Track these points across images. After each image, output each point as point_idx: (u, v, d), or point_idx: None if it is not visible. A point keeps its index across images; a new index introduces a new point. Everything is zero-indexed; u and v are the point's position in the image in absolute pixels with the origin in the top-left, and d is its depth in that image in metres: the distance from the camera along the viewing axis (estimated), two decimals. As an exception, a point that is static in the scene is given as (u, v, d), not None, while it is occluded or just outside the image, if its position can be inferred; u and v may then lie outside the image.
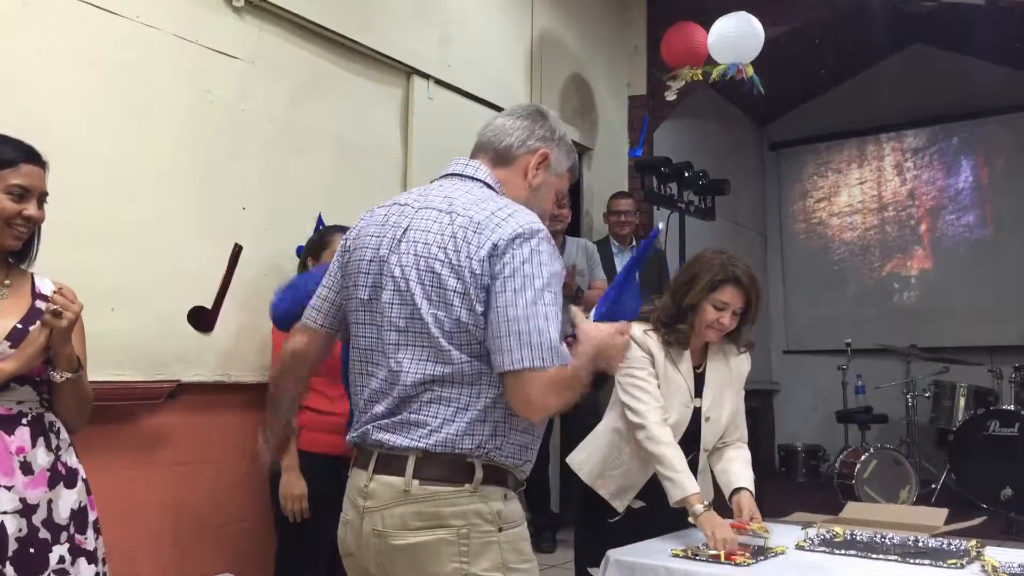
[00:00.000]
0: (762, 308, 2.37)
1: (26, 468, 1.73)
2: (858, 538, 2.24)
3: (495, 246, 1.46)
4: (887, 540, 2.20)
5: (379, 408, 1.52)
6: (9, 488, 1.69)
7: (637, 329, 2.36)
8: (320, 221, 3.28)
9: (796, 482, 6.90)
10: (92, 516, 1.86)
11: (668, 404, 2.33)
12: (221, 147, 3.03)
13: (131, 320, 2.67)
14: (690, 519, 2.18)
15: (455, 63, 4.18)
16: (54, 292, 1.78)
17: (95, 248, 2.60)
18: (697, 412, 2.38)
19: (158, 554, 2.80)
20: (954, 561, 1.97)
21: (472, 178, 1.61)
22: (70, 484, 1.82)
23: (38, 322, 1.75)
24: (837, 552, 2.11)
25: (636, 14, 5.85)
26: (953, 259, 7.31)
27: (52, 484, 1.77)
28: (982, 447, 5.16)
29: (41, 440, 1.77)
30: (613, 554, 2.09)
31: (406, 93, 3.91)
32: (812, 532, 2.28)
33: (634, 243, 5.04)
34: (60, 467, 1.80)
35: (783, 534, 2.27)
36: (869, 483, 5.15)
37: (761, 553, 2.08)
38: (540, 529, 4.36)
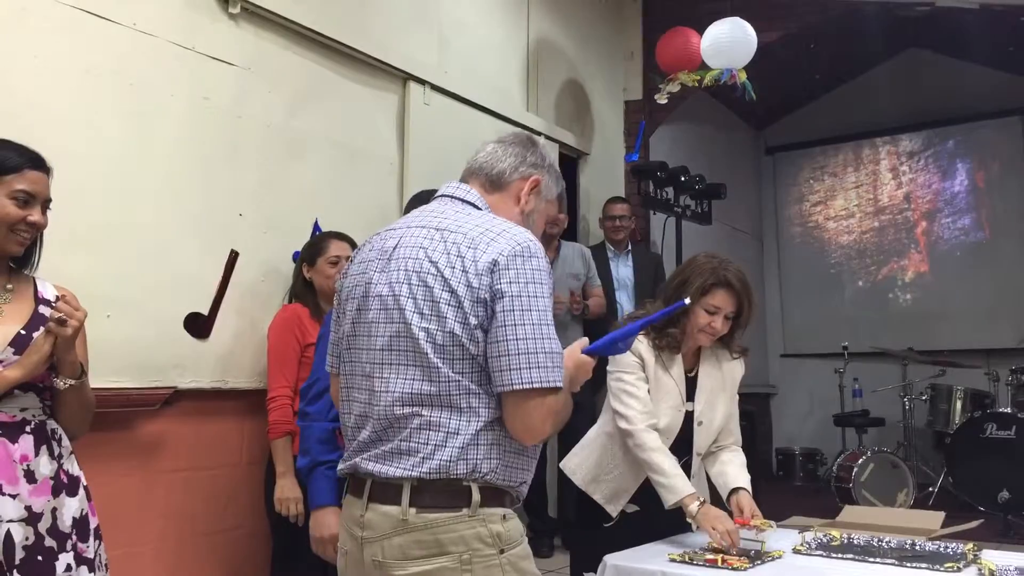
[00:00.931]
0: (755, 313, 2.37)
1: (30, 476, 1.72)
2: (855, 542, 2.24)
3: (495, 262, 1.45)
4: (884, 544, 2.21)
5: (364, 434, 1.51)
6: (14, 496, 1.69)
7: None
8: (316, 227, 3.28)
9: (793, 486, 6.90)
10: (93, 523, 1.86)
11: (658, 408, 2.33)
12: (218, 153, 3.03)
13: (127, 326, 2.67)
14: (688, 519, 2.18)
15: (451, 69, 4.18)
16: (58, 299, 1.78)
17: (91, 254, 2.59)
18: (689, 416, 2.38)
19: (154, 561, 2.79)
20: (951, 564, 1.97)
21: (463, 200, 1.63)
22: (72, 492, 1.81)
23: (42, 329, 1.75)
24: (834, 556, 2.12)
25: (631, 20, 5.87)
26: (949, 262, 7.33)
27: (56, 492, 1.77)
28: (979, 450, 5.17)
29: (44, 448, 1.77)
30: (610, 559, 2.09)
31: (402, 99, 3.91)
32: (809, 536, 2.28)
33: (629, 247, 5.05)
34: (63, 475, 1.80)
35: (780, 538, 2.27)
36: (866, 486, 5.15)
37: (758, 557, 2.08)
38: (538, 534, 4.36)
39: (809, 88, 7.60)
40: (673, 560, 2.05)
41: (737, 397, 2.50)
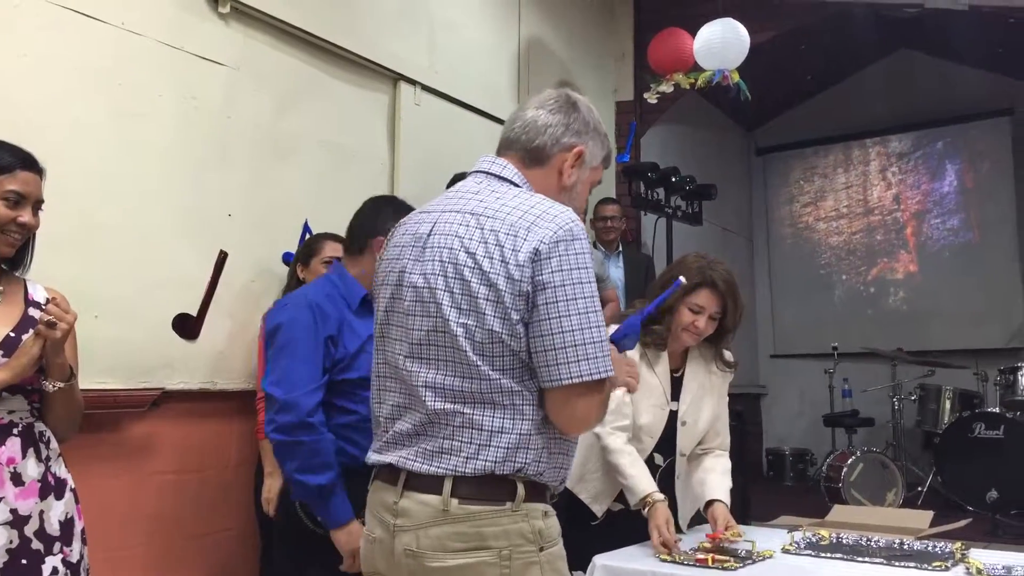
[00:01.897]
0: (741, 314, 2.37)
1: (16, 479, 1.71)
2: (844, 541, 2.24)
3: (536, 251, 1.36)
4: (872, 543, 2.21)
5: (403, 426, 1.44)
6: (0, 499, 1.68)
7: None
8: (306, 227, 3.28)
9: (784, 486, 6.93)
10: (79, 526, 1.85)
11: (640, 406, 2.33)
12: (207, 153, 3.02)
13: (115, 327, 2.66)
14: (644, 512, 2.19)
15: (442, 69, 4.18)
16: (48, 302, 1.77)
17: (79, 254, 2.58)
18: (673, 416, 2.39)
19: (142, 563, 2.77)
20: (939, 563, 1.97)
21: (499, 177, 1.51)
22: (59, 495, 1.80)
23: (31, 332, 1.74)
24: (823, 555, 2.12)
25: (622, 20, 5.88)
26: (938, 263, 7.37)
27: (43, 495, 1.76)
28: (968, 450, 5.20)
29: (32, 451, 1.76)
30: (600, 559, 2.09)
31: (393, 99, 3.91)
32: (798, 535, 2.28)
33: (620, 248, 5.05)
34: (50, 478, 1.79)
35: (770, 538, 2.28)
36: (856, 486, 5.17)
37: (748, 557, 2.08)
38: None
39: (799, 89, 7.63)
40: (664, 560, 2.06)
41: (727, 399, 2.51)
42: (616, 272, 4.98)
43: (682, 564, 2.03)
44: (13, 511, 1.69)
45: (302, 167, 3.39)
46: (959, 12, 4.81)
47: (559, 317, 1.35)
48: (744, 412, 7.08)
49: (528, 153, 1.52)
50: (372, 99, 3.81)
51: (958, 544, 2.12)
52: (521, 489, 1.39)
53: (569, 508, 2.46)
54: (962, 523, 2.65)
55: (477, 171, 1.55)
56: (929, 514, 2.56)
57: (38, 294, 1.85)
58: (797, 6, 5.50)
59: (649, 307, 1.82)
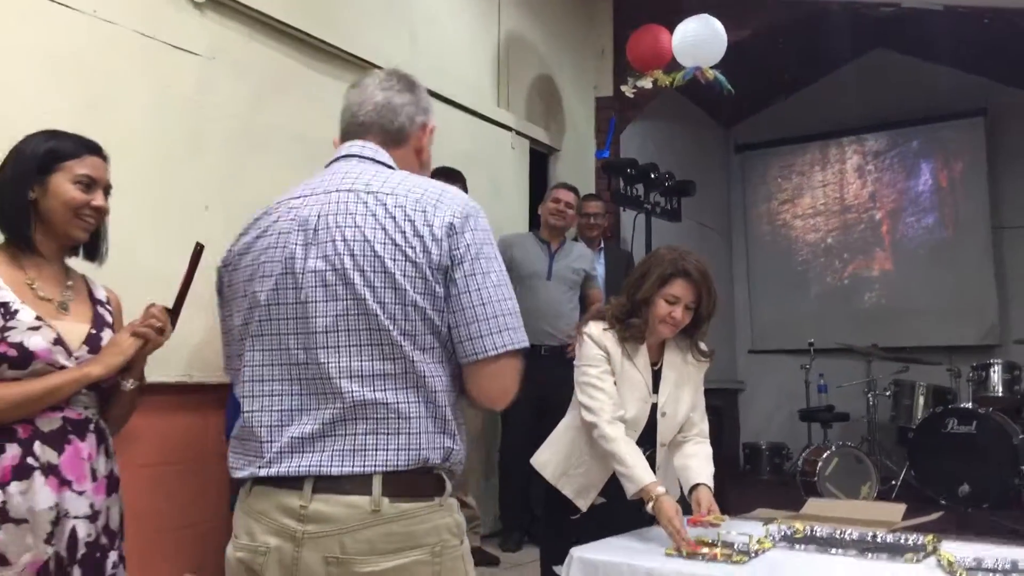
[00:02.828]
0: (716, 303, 2.39)
1: (92, 475, 1.73)
2: (817, 533, 2.26)
3: (451, 225, 1.35)
4: (846, 535, 2.23)
5: (301, 430, 1.33)
6: (81, 493, 1.70)
7: (595, 327, 2.38)
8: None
9: (760, 479, 6.97)
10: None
11: (626, 400, 2.35)
12: (182, 144, 2.99)
13: (89, 320, 2.62)
14: (648, 508, 2.18)
15: (422, 63, 4.16)
16: (151, 307, 1.81)
17: (52, 247, 2.54)
18: (654, 407, 2.40)
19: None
20: (911, 555, 2.00)
21: (373, 160, 1.48)
22: (117, 490, 1.83)
23: (129, 330, 1.77)
24: (797, 547, 2.14)
25: (602, 16, 5.89)
26: (913, 260, 7.44)
27: (109, 491, 1.79)
28: (940, 445, 5.26)
29: (102, 447, 1.78)
30: (577, 551, 2.09)
31: (372, 92, 3.88)
32: (773, 528, 2.30)
33: (602, 245, 5.06)
34: (115, 474, 1.82)
35: (745, 530, 2.29)
36: (831, 480, 5.22)
37: (747, 551, 2.05)
38: (507, 528, 4.36)
39: (777, 87, 7.68)
40: (669, 555, 2.04)
41: (703, 388, 2.52)
42: (598, 269, 4.98)
43: (674, 556, 2.02)
44: (91, 505, 1.71)
45: (279, 159, 3.37)
46: (935, 12, 4.87)
47: (479, 289, 1.35)
48: (722, 407, 7.13)
49: (388, 135, 1.52)
50: (351, 92, 3.78)
51: (930, 537, 2.15)
52: (447, 482, 1.39)
53: (550, 504, 2.46)
54: (934, 516, 2.68)
55: (347, 155, 1.51)
56: (902, 507, 2.59)
57: (99, 292, 1.87)
58: (775, 3, 5.54)
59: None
